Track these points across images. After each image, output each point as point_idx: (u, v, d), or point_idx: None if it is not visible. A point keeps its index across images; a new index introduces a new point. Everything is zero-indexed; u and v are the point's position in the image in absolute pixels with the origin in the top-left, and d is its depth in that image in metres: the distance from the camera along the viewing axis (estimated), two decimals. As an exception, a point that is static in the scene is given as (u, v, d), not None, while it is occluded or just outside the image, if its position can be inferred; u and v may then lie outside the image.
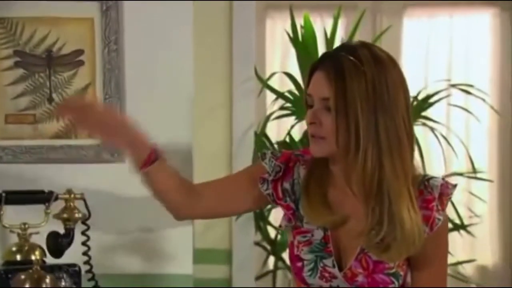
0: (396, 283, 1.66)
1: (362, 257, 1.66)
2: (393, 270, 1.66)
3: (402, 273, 1.67)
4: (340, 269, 1.68)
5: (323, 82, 1.61)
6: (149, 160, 1.69)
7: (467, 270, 3.01)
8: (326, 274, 1.69)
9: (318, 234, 1.69)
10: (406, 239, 1.61)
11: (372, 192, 1.61)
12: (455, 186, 1.70)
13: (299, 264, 1.71)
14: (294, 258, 1.72)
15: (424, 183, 1.67)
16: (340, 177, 1.67)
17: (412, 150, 1.64)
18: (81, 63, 2.30)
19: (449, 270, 2.92)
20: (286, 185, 1.71)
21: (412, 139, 1.64)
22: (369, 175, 1.59)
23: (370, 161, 1.59)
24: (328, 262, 1.68)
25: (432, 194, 1.66)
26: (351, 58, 1.60)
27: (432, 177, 1.68)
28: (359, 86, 1.58)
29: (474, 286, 3.04)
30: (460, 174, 2.93)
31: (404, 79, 1.65)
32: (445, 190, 1.66)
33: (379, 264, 1.65)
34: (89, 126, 1.72)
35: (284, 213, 1.73)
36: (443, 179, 1.69)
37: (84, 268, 2.06)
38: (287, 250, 1.83)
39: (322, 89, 1.61)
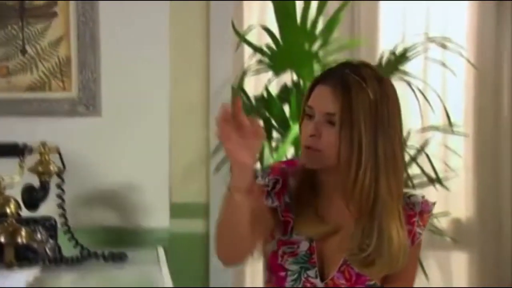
0: None
1: (345, 268, 1.73)
2: (373, 282, 1.74)
3: (379, 284, 1.76)
4: (322, 279, 1.74)
5: (328, 97, 1.64)
6: (251, 188, 1.55)
7: (442, 223, 3.04)
8: (308, 285, 1.75)
9: (304, 246, 1.74)
10: (391, 257, 1.68)
11: (368, 208, 1.66)
12: (434, 203, 1.79)
13: (282, 273, 1.76)
14: (276, 267, 1.77)
15: (405, 200, 1.75)
16: (329, 188, 1.71)
17: (404, 170, 1.75)
18: (55, 14, 2.26)
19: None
20: (286, 198, 1.74)
21: (404, 159, 1.72)
22: (366, 192, 1.64)
23: (369, 178, 1.63)
24: (312, 273, 1.74)
25: (414, 210, 1.76)
26: (356, 76, 1.64)
27: (412, 194, 1.78)
28: (363, 104, 1.62)
29: (448, 239, 3.07)
30: (436, 128, 2.94)
31: (398, 99, 1.69)
32: (426, 208, 1.77)
33: (361, 276, 1.72)
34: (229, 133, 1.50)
35: (281, 226, 1.75)
36: (422, 197, 1.79)
37: (59, 221, 2.06)
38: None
39: (326, 103, 1.65)
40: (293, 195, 1.73)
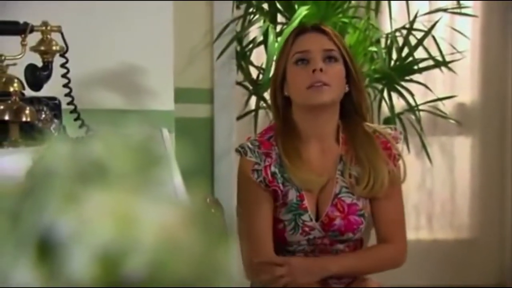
0: (364, 223, 1.84)
1: (337, 202, 1.83)
2: (362, 212, 1.83)
3: (366, 214, 1.85)
4: (318, 219, 1.85)
5: (323, 38, 1.82)
6: None
7: (447, 107, 3.03)
8: (306, 229, 1.85)
9: (292, 194, 1.85)
10: (382, 176, 1.84)
11: (358, 138, 1.85)
12: (400, 132, 1.95)
13: (280, 225, 1.86)
14: (273, 220, 1.86)
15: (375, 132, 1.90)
16: (307, 135, 1.85)
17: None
18: None
19: (427, 107, 2.95)
20: (273, 168, 1.85)
21: None
22: (364, 117, 1.88)
23: (366, 104, 1.90)
24: (305, 217, 1.84)
25: (385, 137, 1.89)
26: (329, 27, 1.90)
27: (378, 129, 1.93)
28: (346, 44, 1.89)
29: (452, 121, 3.07)
30: (444, 10, 2.89)
31: None
32: (395, 134, 1.91)
33: (352, 206, 1.83)
34: None
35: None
36: (390, 128, 1.96)
37: (64, 101, 2.04)
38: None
39: (323, 42, 1.82)
40: (282, 152, 1.84)
